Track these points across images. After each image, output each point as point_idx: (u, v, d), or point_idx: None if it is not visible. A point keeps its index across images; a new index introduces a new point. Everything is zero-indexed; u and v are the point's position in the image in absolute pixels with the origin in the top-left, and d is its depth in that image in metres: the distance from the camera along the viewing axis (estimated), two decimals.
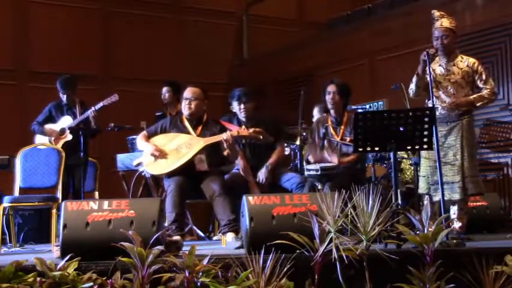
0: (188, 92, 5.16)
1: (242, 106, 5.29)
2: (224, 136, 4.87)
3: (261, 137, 4.96)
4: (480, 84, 4.55)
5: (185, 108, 5.15)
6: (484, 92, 4.54)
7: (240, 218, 3.91)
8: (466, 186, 4.43)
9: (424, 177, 4.59)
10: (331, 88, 5.34)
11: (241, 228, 4.07)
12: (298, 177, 5.17)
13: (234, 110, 5.38)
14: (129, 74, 9.04)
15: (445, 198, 4.37)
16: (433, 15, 4.62)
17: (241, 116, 5.33)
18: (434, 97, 4.51)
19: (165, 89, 6.79)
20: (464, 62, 4.58)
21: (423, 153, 4.58)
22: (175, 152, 4.94)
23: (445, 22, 4.56)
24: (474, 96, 4.53)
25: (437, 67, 4.59)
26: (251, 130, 4.93)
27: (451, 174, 4.47)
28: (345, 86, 5.38)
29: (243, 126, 5.07)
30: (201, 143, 4.96)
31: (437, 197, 4.49)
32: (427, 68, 4.33)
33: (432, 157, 4.49)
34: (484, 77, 4.57)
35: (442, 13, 4.62)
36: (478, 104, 4.55)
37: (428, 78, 4.32)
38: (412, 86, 4.60)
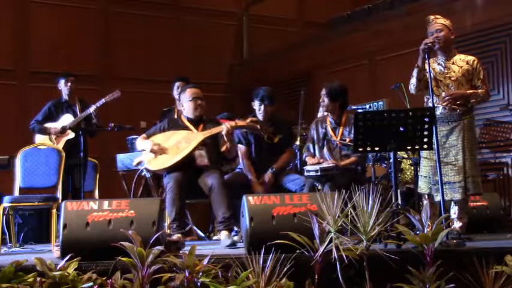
0: (197, 93, 5.17)
1: (262, 107, 5.32)
2: (224, 128, 4.89)
3: (259, 126, 4.99)
4: (478, 83, 4.55)
5: (195, 109, 5.14)
6: (480, 91, 4.53)
7: (240, 218, 3.91)
8: (468, 186, 4.42)
9: (425, 177, 4.58)
10: (322, 91, 5.38)
11: (241, 228, 4.07)
12: (302, 179, 5.16)
13: (254, 107, 5.41)
14: (129, 74, 9.04)
15: (446, 198, 4.37)
16: (428, 19, 4.65)
17: (260, 115, 5.36)
18: (434, 95, 4.52)
19: (180, 84, 6.75)
20: (464, 60, 4.58)
21: (424, 153, 4.57)
22: (175, 148, 4.98)
23: (440, 20, 4.60)
24: (469, 91, 4.52)
25: (436, 66, 4.58)
26: (248, 120, 4.96)
27: (453, 174, 4.45)
28: (335, 89, 5.33)
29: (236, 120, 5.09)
30: (199, 136, 5.00)
31: (439, 197, 4.48)
32: (426, 60, 4.35)
33: (433, 157, 4.48)
34: (481, 75, 4.56)
35: (436, 16, 4.66)
36: (471, 100, 4.52)
37: (428, 74, 4.32)
38: (413, 80, 4.55)
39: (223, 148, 5.02)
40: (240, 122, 4.99)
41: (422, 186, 4.58)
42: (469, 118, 4.53)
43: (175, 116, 6.16)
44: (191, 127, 5.13)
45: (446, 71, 4.54)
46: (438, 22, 4.58)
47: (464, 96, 4.47)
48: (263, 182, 5.16)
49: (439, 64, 4.58)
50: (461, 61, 4.56)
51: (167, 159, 4.96)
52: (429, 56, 4.37)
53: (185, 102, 5.20)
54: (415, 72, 4.52)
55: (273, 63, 9.32)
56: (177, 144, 4.99)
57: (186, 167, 4.94)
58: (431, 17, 4.66)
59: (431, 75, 4.46)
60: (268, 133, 5.14)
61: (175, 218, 4.81)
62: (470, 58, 4.59)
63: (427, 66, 4.45)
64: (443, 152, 4.39)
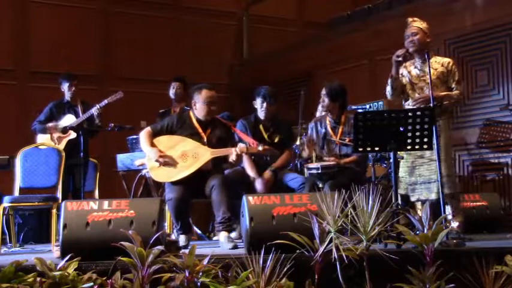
0: (212, 97, 5.04)
1: (264, 105, 5.32)
2: (234, 154, 4.82)
3: (268, 152, 4.96)
4: (452, 84, 4.59)
5: (207, 114, 5.02)
6: (453, 93, 4.58)
7: (240, 218, 3.92)
8: (444, 185, 4.42)
9: (402, 178, 4.62)
10: (322, 91, 5.38)
11: (241, 228, 4.06)
12: (302, 178, 5.16)
13: (256, 106, 5.39)
14: (129, 74, 9.04)
15: (422, 197, 4.45)
16: (406, 21, 4.69)
17: (261, 114, 5.35)
18: (410, 98, 4.57)
19: (175, 84, 6.77)
20: (439, 62, 4.61)
21: (402, 153, 4.61)
22: (180, 160, 4.85)
23: (416, 23, 4.64)
24: (442, 93, 4.54)
25: (413, 69, 4.64)
26: (260, 148, 4.86)
27: (428, 174, 4.52)
28: (335, 89, 5.33)
29: (252, 141, 5.00)
30: (207, 154, 4.87)
31: (414, 198, 4.58)
32: (407, 67, 4.39)
33: (410, 158, 4.53)
34: (456, 77, 4.62)
35: (414, 18, 4.70)
36: (445, 102, 4.55)
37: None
38: (388, 88, 4.64)
39: (230, 159, 4.96)
40: (252, 149, 4.89)
41: (400, 186, 4.61)
42: (444, 119, 4.56)
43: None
44: (199, 129, 5.03)
45: (421, 74, 4.58)
46: (414, 25, 4.63)
47: (437, 98, 4.48)
48: (263, 179, 5.14)
49: (415, 67, 4.62)
50: (437, 63, 4.61)
51: (171, 174, 4.83)
52: (430, 59, 4.40)
53: (198, 103, 5.05)
54: (389, 81, 4.58)
55: (273, 63, 9.31)
56: (183, 156, 4.85)
57: (190, 177, 4.88)
58: (410, 19, 4.71)
59: (408, 79, 4.59)
60: (275, 155, 5.14)
61: (180, 227, 4.83)
62: (446, 60, 4.66)
63: (417, 69, 4.53)
64: (419, 152, 4.42)
